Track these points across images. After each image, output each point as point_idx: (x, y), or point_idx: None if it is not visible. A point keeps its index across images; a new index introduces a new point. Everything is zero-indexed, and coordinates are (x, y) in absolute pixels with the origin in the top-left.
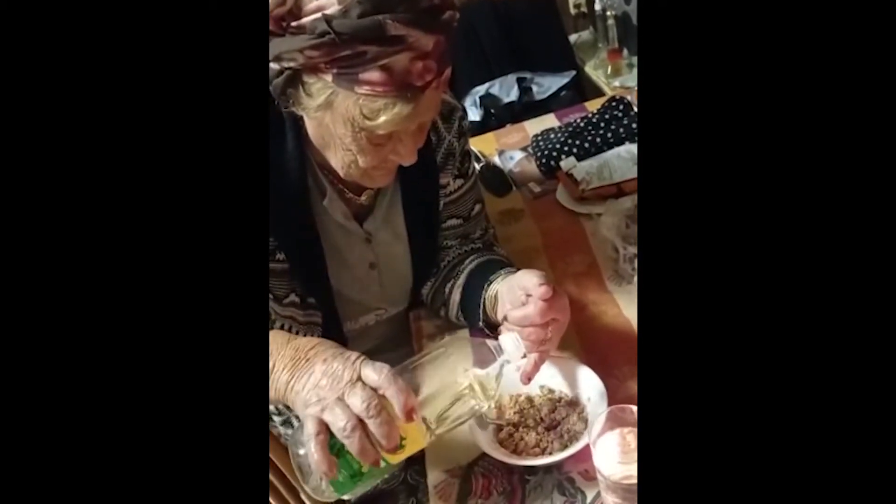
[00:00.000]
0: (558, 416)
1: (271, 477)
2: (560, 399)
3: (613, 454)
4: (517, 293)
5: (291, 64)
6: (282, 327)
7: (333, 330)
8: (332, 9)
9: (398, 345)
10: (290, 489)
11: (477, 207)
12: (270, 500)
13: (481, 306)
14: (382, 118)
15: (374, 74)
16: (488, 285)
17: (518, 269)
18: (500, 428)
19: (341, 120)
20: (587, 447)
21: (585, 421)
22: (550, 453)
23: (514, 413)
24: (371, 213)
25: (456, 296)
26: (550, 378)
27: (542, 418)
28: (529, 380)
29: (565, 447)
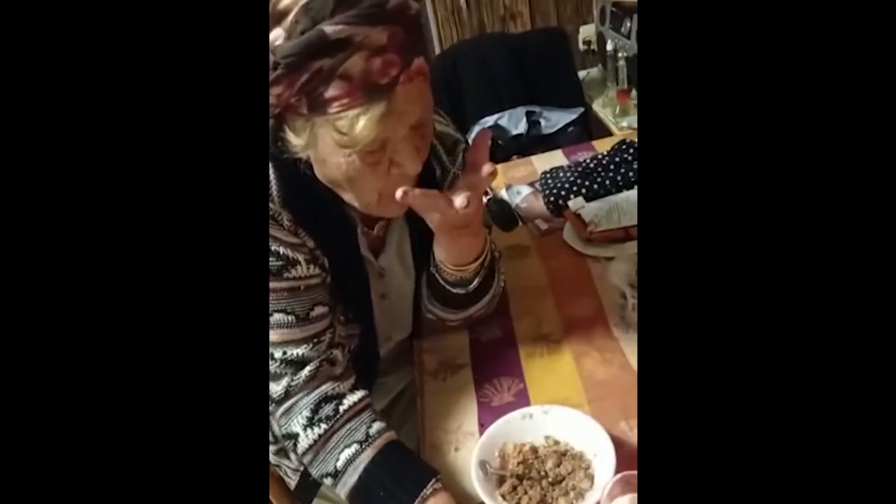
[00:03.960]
0: (564, 471)
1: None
2: (566, 452)
3: None
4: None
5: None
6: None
7: (370, 348)
8: (279, 41)
9: (398, 367)
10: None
11: None
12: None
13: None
14: (359, 126)
15: (336, 88)
16: None
17: None
18: (502, 479)
19: (330, 149)
20: None
21: (592, 478)
22: None
23: (518, 464)
24: (384, 247)
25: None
26: (556, 428)
27: (546, 472)
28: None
29: None
